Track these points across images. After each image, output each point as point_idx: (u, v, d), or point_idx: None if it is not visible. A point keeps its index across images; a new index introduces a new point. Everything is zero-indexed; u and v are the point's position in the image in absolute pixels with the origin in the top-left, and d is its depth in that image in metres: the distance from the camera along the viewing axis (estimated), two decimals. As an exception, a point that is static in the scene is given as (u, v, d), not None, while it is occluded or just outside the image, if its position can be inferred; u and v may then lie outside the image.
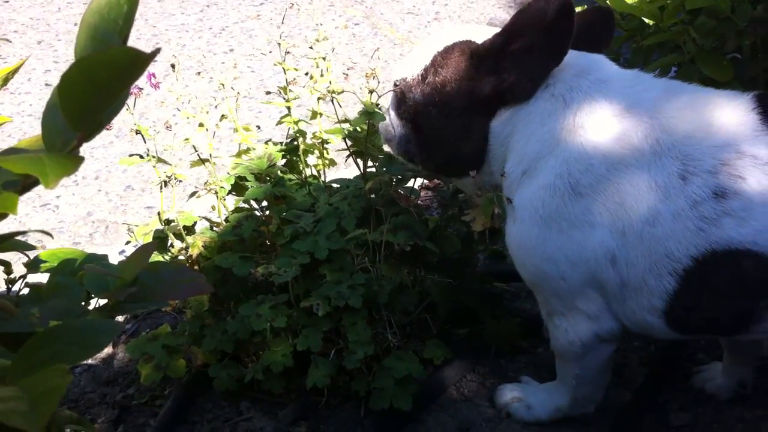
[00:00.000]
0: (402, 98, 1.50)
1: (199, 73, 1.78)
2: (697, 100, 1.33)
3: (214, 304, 1.69)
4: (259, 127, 1.99)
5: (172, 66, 1.70)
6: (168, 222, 1.77)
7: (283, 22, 1.83)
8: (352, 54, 3.47)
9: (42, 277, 0.92)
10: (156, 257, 1.72)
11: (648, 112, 1.30)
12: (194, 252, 1.70)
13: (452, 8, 4.17)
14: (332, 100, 1.78)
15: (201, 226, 1.82)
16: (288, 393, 1.63)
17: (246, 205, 1.82)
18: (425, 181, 2.41)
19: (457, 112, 1.43)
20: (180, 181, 1.76)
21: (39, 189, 0.66)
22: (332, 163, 1.95)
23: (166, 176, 1.73)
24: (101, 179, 2.69)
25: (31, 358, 0.62)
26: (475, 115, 1.42)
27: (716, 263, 1.22)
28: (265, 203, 1.79)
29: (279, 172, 1.82)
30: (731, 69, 1.71)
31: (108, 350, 1.83)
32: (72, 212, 2.53)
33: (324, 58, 1.76)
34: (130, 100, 1.48)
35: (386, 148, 1.66)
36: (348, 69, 1.77)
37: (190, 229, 1.79)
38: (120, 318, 1.83)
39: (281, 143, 1.92)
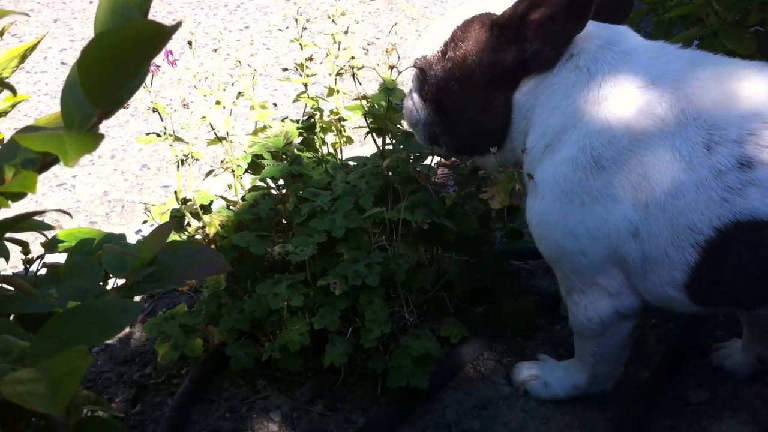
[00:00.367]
0: (424, 78, 1.47)
1: (215, 50, 1.76)
2: (724, 70, 1.30)
3: (231, 283, 1.69)
4: (275, 104, 1.98)
5: (189, 43, 1.69)
6: (185, 201, 1.77)
7: (301, -2, 1.80)
8: (368, 30, 3.45)
9: (60, 257, 0.92)
10: (173, 236, 1.72)
11: (673, 82, 1.28)
12: (211, 231, 1.70)
13: (468, -17, 4.12)
14: (353, 76, 1.77)
15: (217, 204, 1.82)
16: (305, 371, 1.64)
17: (263, 184, 1.82)
18: (442, 159, 2.39)
19: (480, 85, 1.41)
20: (196, 159, 1.76)
21: (55, 168, 0.66)
22: (349, 140, 1.93)
23: (183, 155, 1.72)
24: (117, 158, 2.69)
25: (50, 339, 0.62)
26: (498, 87, 1.40)
27: (740, 234, 1.19)
28: (281, 182, 1.78)
29: (295, 150, 1.81)
30: (754, 42, 1.68)
31: (125, 330, 1.84)
32: (88, 192, 2.54)
33: (346, 32, 1.74)
34: (147, 79, 1.48)
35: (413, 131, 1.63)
36: (369, 44, 1.76)
37: (206, 208, 1.79)
38: (137, 297, 1.84)
39: (297, 121, 1.91)
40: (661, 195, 1.24)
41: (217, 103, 1.74)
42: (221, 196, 1.85)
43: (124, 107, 0.78)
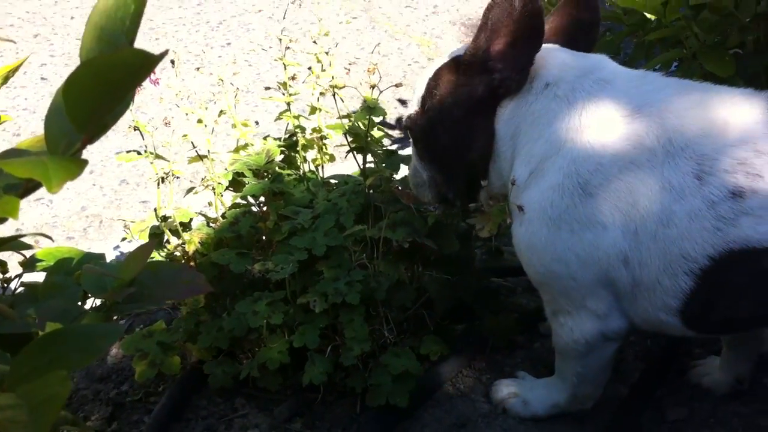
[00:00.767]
0: (414, 135, 1.54)
1: (198, 68, 1.77)
2: (710, 98, 1.31)
3: (210, 300, 1.69)
4: (257, 122, 1.98)
5: (172, 62, 1.69)
6: (164, 218, 1.76)
7: (284, 17, 1.82)
8: (350, 48, 3.46)
9: (38, 276, 0.91)
10: (153, 255, 1.71)
11: (659, 112, 1.29)
12: (191, 248, 1.70)
13: (450, 2, 4.16)
14: (333, 95, 1.78)
15: (197, 222, 1.82)
16: (284, 389, 1.63)
17: (243, 201, 1.82)
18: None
19: (460, 122, 1.45)
20: (177, 177, 1.75)
21: (34, 183, 0.65)
22: (331, 158, 1.94)
23: (164, 172, 1.72)
24: (96, 173, 2.68)
25: (30, 363, 0.61)
26: (477, 118, 1.43)
27: (734, 262, 1.21)
28: (262, 199, 1.78)
29: (277, 167, 1.81)
30: (733, 64, 1.70)
31: (103, 346, 1.81)
32: (66, 207, 2.52)
33: (327, 53, 1.75)
34: (127, 96, 1.47)
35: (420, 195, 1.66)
36: (350, 64, 1.77)
37: (186, 226, 1.78)
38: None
39: (279, 139, 1.92)
40: (652, 224, 1.25)
41: (199, 121, 1.74)
42: (201, 214, 1.85)
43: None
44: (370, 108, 1.64)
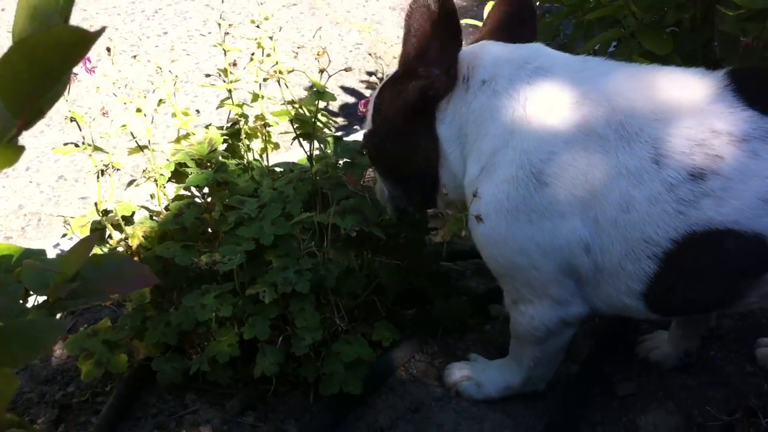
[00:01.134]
0: (370, 154, 1.57)
1: (134, 56, 1.72)
2: (660, 79, 1.31)
3: (156, 295, 1.65)
4: (198, 111, 1.94)
5: (108, 49, 1.64)
6: (106, 212, 1.71)
7: (223, 1, 1.78)
8: (290, 35, 3.42)
9: (-25, 275, 0.87)
10: (95, 250, 1.67)
11: (607, 96, 1.29)
12: (134, 243, 1.66)
13: (389, -12, 4.15)
14: (278, 81, 1.75)
15: (140, 215, 1.77)
16: (235, 383, 1.61)
17: (187, 193, 1.78)
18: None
19: (403, 131, 1.47)
20: (117, 169, 1.71)
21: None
22: (276, 146, 1.91)
23: (103, 165, 1.67)
24: (32, 170, 2.60)
25: (-30, 363, 0.58)
26: (418, 124, 1.45)
27: (697, 244, 1.21)
28: (206, 190, 1.75)
29: (220, 157, 1.78)
30: (671, 43, 1.73)
31: (46, 347, 1.76)
32: (2, 205, 2.44)
33: (271, 38, 1.72)
34: (61, 86, 1.42)
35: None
36: (299, 48, 1.75)
37: (128, 219, 1.74)
38: (58, 315, 1.77)
39: (221, 128, 1.88)
40: (612, 210, 1.25)
41: (138, 110, 1.69)
42: (144, 207, 1.80)
43: (40, 116, 0.75)
44: (319, 93, 1.62)
